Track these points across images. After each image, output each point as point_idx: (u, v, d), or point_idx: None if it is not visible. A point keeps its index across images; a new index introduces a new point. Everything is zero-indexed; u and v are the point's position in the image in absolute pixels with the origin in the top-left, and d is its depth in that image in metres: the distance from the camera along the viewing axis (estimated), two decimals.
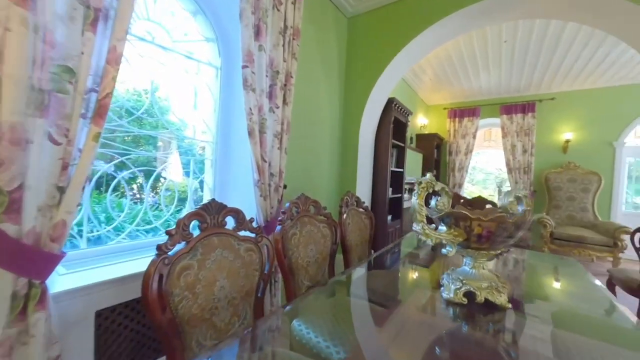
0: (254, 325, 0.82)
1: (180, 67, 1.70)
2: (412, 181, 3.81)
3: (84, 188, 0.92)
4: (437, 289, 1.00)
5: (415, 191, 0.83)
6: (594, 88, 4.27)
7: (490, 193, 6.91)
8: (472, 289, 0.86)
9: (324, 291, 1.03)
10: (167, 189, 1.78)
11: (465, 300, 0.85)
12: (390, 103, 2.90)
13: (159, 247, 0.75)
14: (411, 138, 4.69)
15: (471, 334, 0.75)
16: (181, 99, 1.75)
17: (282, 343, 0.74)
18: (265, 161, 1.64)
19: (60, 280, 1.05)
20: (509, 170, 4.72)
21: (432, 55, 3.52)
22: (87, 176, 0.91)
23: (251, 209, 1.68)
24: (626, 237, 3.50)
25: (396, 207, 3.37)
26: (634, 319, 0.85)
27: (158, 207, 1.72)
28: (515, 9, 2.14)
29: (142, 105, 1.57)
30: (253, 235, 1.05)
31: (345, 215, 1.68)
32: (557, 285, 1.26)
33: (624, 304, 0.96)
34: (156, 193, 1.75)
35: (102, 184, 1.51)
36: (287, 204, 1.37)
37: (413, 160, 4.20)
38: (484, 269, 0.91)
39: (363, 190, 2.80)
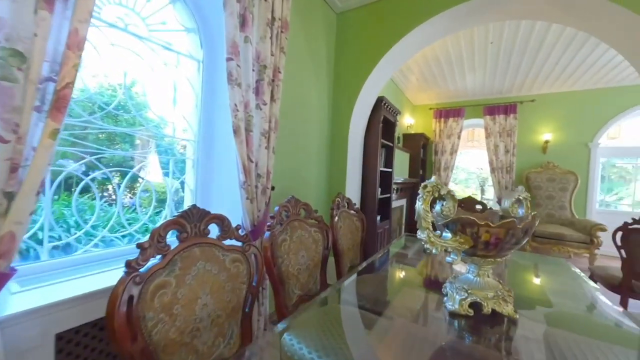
0: (242, 350, 0.72)
1: (158, 59, 1.55)
2: (399, 181, 3.80)
3: (39, 193, 0.79)
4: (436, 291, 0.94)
5: (420, 196, 0.76)
6: (572, 91, 4.44)
7: (472, 192, 7.09)
8: (478, 299, 0.80)
9: (319, 303, 0.95)
10: (145, 190, 1.64)
11: (471, 312, 0.79)
12: (380, 102, 2.85)
13: (128, 264, 0.63)
14: (398, 138, 4.69)
15: (475, 347, 0.70)
16: (160, 94, 1.60)
17: None
18: (252, 161, 1.53)
19: (12, 300, 0.90)
20: (492, 170, 4.82)
21: (420, 54, 3.51)
22: (42, 179, 0.78)
23: (237, 213, 1.57)
24: (602, 234, 3.67)
25: (385, 207, 3.34)
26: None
27: (135, 209, 1.58)
28: (501, 10, 2.14)
29: (115, 99, 1.42)
30: (240, 244, 0.95)
31: (336, 218, 1.61)
32: (558, 290, 1.24)
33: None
34: (134, 194, 1.60)
35: (73, 185, 1.36)
36: (277, 208, 1.27)
37: (400, 160, 4.20)
38: (488, 276, 0.86)
39: (352, 190, 2.74)
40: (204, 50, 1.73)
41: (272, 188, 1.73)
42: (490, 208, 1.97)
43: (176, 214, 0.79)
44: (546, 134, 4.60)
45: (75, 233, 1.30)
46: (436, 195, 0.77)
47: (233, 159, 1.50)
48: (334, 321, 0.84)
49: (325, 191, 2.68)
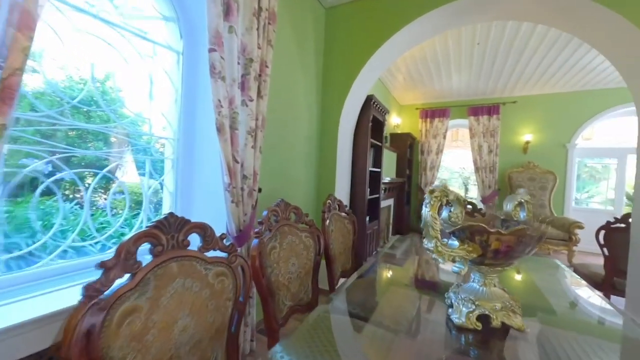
0: None
1: (132, 49, 1.41)
2: (387, 181, 3.77)
3: None
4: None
5: (427, 201, 0.70)
6: (551, 93, 4.59)
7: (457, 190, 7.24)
8: (486, 311, 0.74)
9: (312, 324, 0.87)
10: (120, 192, 1.49)
11: (479, 326, 0.74)
12: (369, 101, 2.80)
13: (86, 288, 0.52)
14: (386, 137, 4.67)
15: None
16: (135, 89, 1.46)
17: None
18: (238, 162, 1.42)
19: None
20: (476, 169, 4.91)
21: (408, 54, 3.49)
22: None
23: (221, 217, 1.45)
24: (579, 232, 3.81)
25: (373, 207, 3.30)
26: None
27: (115, 213, 1.43)
28: (489, 10, 2.13)
29: (86, 94, 1.27)
30: (225, 255, 0.85)
31: (328, 222, 1.53)
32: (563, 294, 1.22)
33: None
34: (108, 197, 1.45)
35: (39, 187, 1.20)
36: (265, 212, 1.18)
37: (387, 159, 4.18)
38: (494, 286, 0.81)
39: (342, 191, 2.67)
40: (184, 42, 1.60)
41: (259, 190, 1.62)
42: (482, 209, 1.96)
43: (149, 224, 0.68)
44: (527, 135, 4.74)
45: (39, 240, 1.15)
46: (444, 201, 0.70)
47: (217, 159, 1.39)
48: (327, 342, 0.76)
49: (315, 192, 2.60)
